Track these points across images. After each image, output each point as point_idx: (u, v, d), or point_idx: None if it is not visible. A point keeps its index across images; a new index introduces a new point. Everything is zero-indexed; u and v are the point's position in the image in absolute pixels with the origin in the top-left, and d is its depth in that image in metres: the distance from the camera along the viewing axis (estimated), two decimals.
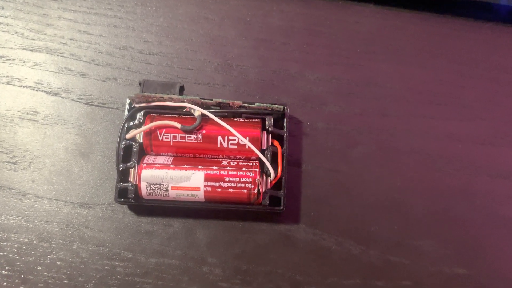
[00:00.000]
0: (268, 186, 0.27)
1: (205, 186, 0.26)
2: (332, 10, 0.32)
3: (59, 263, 0.28)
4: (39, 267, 0.28)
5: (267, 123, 0.28)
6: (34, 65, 0.31)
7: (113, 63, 0.31)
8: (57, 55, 0.31)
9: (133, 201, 0.27)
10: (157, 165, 0.27)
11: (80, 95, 0.31)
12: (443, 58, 0.32)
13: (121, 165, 0.27)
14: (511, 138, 0.30)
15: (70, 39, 0.32)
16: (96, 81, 0.31)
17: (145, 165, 0.27)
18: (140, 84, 0.28)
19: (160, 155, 0.28)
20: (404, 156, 0.30)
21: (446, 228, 0.29)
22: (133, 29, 0.32)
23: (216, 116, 0.27)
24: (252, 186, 0.26)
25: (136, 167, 0.27)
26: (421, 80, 0.31)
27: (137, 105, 0.28)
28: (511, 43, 0.32)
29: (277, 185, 0.28)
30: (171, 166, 0.27)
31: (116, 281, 0.28)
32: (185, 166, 0.27)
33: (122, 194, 0.27)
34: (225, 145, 0.27)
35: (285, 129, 0.28)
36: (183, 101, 0.28)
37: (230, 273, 0.28)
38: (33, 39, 0.31)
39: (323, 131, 0.30)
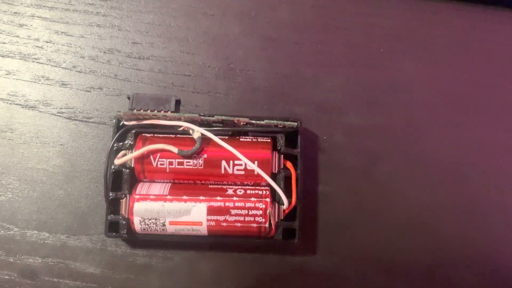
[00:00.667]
0: (281, 216, 0.24)
1: (208, 220, 0.23)
2: (351, 2, 0.27)
3: None
4: None
5: (278, 142, 0.24)
6: (6, 74, 0.27)
7: (97, 70, 0.27)
8: (32, 61, 0.27)
9: (126, 235, 0.24)
10: (151, 197, 0.23)
11: (60, 108, 0.27)
12: (481, 56, 0.27)
13: (110, 194, 0.24)
14: None
15: (47, 42, 0.27)
16: (78, 92, 0.27)
17: (137, 196, 0.23)
18: (128, 98, 0.24)
19: (155, 181, 0.24)
20: (436, 172, 0.26)
21: (484, 255, 0.25)
22: (119, 28, 0.27)
23: (219, 135, 0.23)
24: (263, 220, 0.23)
25: (128, 197, 0.23)
26: (455, 83, 0.27)
27: (126, 123, 0.24)
28: None
29: (291, 214, 0.24)
30: (168, 197, 0.23)
31: None
32: (184, 197, 0.23)
33: (113, 227, 0.24)
34: (230, 171, 0.23)
35: (299, 148, 0.24)
36: (179, 119, 0.24)
37: None
38: (4, 43, 0.27)
39: (342, 146, 0.26)
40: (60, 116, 0.26)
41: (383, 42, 0.27)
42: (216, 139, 0.23)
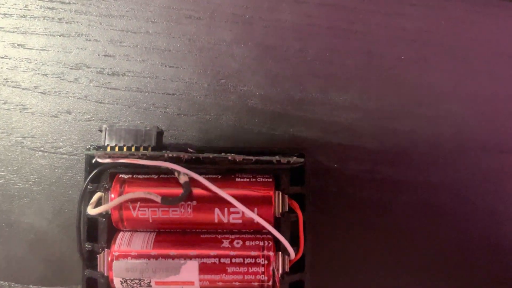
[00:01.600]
0: (286, 269, 0.20)
1: (201, 279, 0.19)
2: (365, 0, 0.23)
3: None
4: None
5: (282, 182, 0.20)
6: None
7: (63, 90, 0.23)
8: None
9: None
10: (133, 253, 0.19)
11: (23, 137, 0.23)
12: None
13: (87, 245, 0.20)
14: None
15: (1, 57, 0.23)
16: (43, 117, 0.23)
17: (116, 253, 0.19)
18: (101, 131, 0.20)
19: (140, 231, 0.20)
20: (464, 205, 0.22)
21: None
22: (87, 38, 0.23)
23: (210, 174, 0.20)
24: (266, 278, 0.19)
25: (106, 252, 0.20)
26: (491, 98, 0.23)
27: (100, 161, 0.20)
28: None
29: (299, 261, 0.21)
30: (153, 253, 0.19)
31: None
32: (172, 253, 0.19)
33: (91, 284, 0.20)
34: (225, 220, 0.20)
35: (305, 186, 0.20)
36: (162, 156, 0.20)
37: None
38: None
39: (355, 177, 0.22)
40: (23, 146, 0.23)
41: (404, 48, 0.23)
42: (207, 183, 0.19)
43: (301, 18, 0.23)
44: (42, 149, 0.23)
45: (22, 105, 0.23)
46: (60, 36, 0.23)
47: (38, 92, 0.23)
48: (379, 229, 0.22)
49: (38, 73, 0.23)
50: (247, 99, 0.23)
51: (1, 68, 0.23)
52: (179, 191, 0.19)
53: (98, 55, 0.23)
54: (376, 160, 0.22)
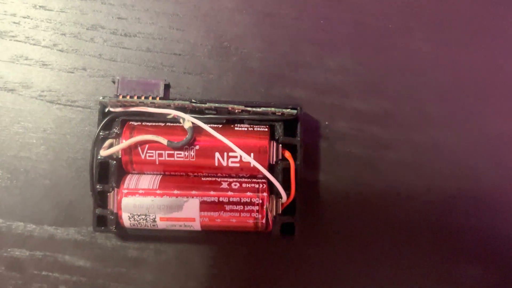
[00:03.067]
0: (279, 210, 0.22)
1: (201, 216, 0.21)
2: None
3: None
4: None
5: (276, 131, 0.22)
6: None
7: (80, 49, 0.25)
8: (10, 39, 0.25)
9: (115, 231, 0.22)
10: (140, 191, 0.22)
11: (42, 91, 0.25)
12: (505, 37, 0.25)
13: (97, 187, 0.22)
14: None
15: (24, 18, 0.25)
16: (61, 73, 0.25)
17: (125, 191, 0.22)
18: (113, 82, 0.22)
19: (146, 173, 0.22)
20: (446, 165, 0.24)
21: (493, 252, 0.24)
22: (103, 1, 0.25)
23: (212, 123, 0.22)
24: (260, 215, 0.21)
25: (115, 191, 0.22)
26: (472, 68, 0.25)
27: (112, 110, 0.22)
28: None
29: (290, 207, 0.23)
30: (158, 192, 0.21)
31: None
32: (175, 192, 0.21)
33: (101, 221, 0.23)
34: (224, 163, 0.22)
35: (299, 138, 0.22)
36: (169, 106, 0.22)
37: None
38: None
39: (345, 133, 0.24)
40: (41, 99, 0.25)
41: (392, 18, 0.25)
42: (209, 129, 0.21)
43: None
44: (59, 102, 0.25)
45: (42, 61, 0.25)
46: None
47: (56, 50, 0.25)
48: (366, 183, 0.24)
49: (57, 33, 0.25)
50: (247, 61, 0.25)
51: (24, 27, 0.25)
52: (183, 137, 0.22)
53: (112, 17, 0.25)
54: (364, 119, 0.24)
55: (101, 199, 0.23)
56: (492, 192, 0.24)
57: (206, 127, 0.21)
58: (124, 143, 0.21)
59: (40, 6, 0.25)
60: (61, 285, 0.24)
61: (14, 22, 0.25)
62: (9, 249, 0.24)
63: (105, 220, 0.22)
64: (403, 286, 0.24)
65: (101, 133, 0.22)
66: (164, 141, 0.21)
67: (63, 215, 0.24)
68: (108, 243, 0.24)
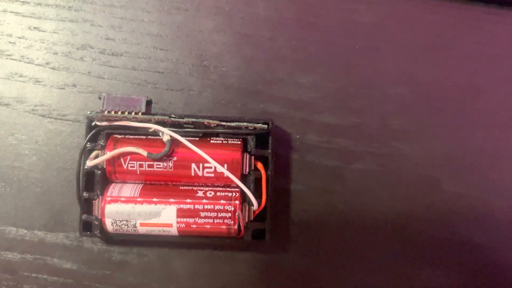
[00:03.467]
0: (251, 217, 0.24)
1: (178, 222, 0.23)
2: None
3: None
4: None
5: (249, 144, 0.24)
6: None
7: (70, 67, 0.27)
8: (6, 58, 0.27)
9: (99, 235, 0.24)
10: (122, 199, 0.23)
11: (35, 105, 0.27)
12: (460, 55, 0.27)
13: (84, 194, 0.24)
14: None
15: (20, 38, 0.27)
16: (52, 89, 0.27)
17: (109, 198, 0.23)
18: (100, 98, 0.24)
19: (127, 182, 0.24)
20: (407, 174, 0.26)
21: (451, 256, 0.26)
22: (92, 23, 0.27)
23: (189, 137, 0.24)
24: (232, 222, 0.23)
25: (100, 198, 0.24)
26: (431, 83, 0.27)
27: (98, 124, 0.24)
28: None
29: (261, 214, 0.24)
30: (139, 199, 0.23)
31: None
32: (155, 200, 0.23)
33: (87, 227, 0.24)
34: (200, 173, 0.24)
35: (270, 150, 0.24)
36: (150, 121, 0.24)
37: None
38: None
39: (315, 146, 0.26)
40: (34, 113, 0.27)
41: (360, 39, 0.27)
42: (185, 142, 0.23)
43: (272, 12, 0.27)
44: (50, 115, 0.26)
45: (35, 78, 0.27)
46: (69, 21, 0.27)
47: (49, 68, 0.27)
48: (334, 192, 0.26)
49: (50, 52, 0.27)
50: (225, 78, 0.27)
51: (19, 46, 0.27)
52: (163, 149, 0.23)
53: (101, 38, 0.27)
54: (332, 132, 0.26)
55: (87, 206, 0.24)
56: (451, 199, 0.26)
57: (183, 140, 0.23)
58: (108, 154, 0.23)
59: (34, 27, 0.27)
60: (49, 286, 0.26)
61: (10, 42, 0.27)
62: (2, 252, 0.26)
63: (90, 225, 0.24)
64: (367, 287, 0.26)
65: (87, 145, 0.24)
66: (144, 152, 0.23)
67: (53, 221, 0.26)
68: (94, 247, 0.26)
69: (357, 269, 0.26)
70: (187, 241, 0.25)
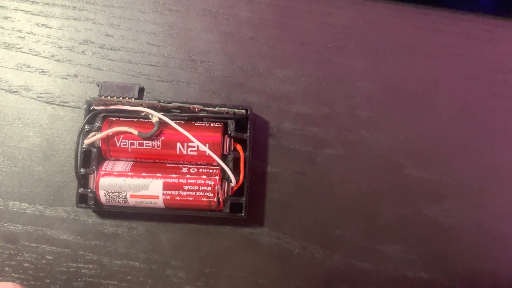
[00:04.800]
0: (230, 193, 0.27)
1: (163, 194, 0.26)
2: (304, 2, 0.30)
3: (25, 264, 0.28)
4: (6, 268, 0.28)
5: (229, 127, 0.27)
6: None
7: (73, 59, 0.30)
8: (16, 51, 0.30)
9: (93, 207, 0.27)
10: (115, 173, 0.26)
11: (40, 93, 0.30)
12: (420, 53, 0.30)
13: (81, 170, 0.27)
14: (486, 140, 0.29)
15: (28, 33, 0.30)
16: (56, 79, 0.30)
17: (103, 172, 0.26)
18: (98, 85, 0.27)
19: (119, 160, 0.27)
20: (373, 158, 0.29)
21: (411, 232, 0.28)
22: (94, 21, 0.30)
23: (176, 120, 0.27)
24: (212, 195, 0.26)
25: (95, 173, 0.27)
26: (395, 78, 0.30)
27: (96, 108, 0.27)
28: (493, 35, 0.30)
29: (239, 190, 0.27)
30: (129, 174, 0.26)
31: (81, 283, 0.28)
32: (144, 174, 0.26)
33: (83, 200, 0.27)
34: (184, 152, 0.27)
35: (248, 133, 0.27)
36: (141, 105, 0.27)
37: (194, 276, 0.28)
38: None
39: (289, 132, 0.29)
40: (39, 100, 0.30)
41: (332, 39, 0.30)
42: (172, 123, 0.26)
43: (254, 14, 0.30)
44: (53, 102, 0.30)
45: (41, 69, 0.30)
46: (73, 19, 0.30)
47: (53, 60, 0.30)
48: (306, 173, 0.29)
49: (55, 46, 0.30)
50: (211, 71, 0.30)
51: (28, 41, 0.30)
52: (152, 130, 0.26)
53: (101, 34, 0.30)
54: (306, 121, 0.29)
55: (83, 181, 0.27)
56: (412, 181, 0.29)
57: (169, 121, 0.26)
58: (103, 133, 0.26)
59: (42, 24, 0.30)
60: (47, 255, 0.28)
61: (20, 37, 0.30)
62: (5, 224, 0.29)
63: (86, 198, 0.27)
64: (334, 261, 0.28)
65: (86, 126, 0.27)
66: (135, 132, 0.26)
67: (52, 196, 0.29)
68: (89, 220, 0.29)
69: (326, 244, 0.28)
70: (172, 214, 0.27)
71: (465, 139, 0.29)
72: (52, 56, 0.30)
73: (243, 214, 0.27)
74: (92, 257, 0.28)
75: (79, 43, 0.30)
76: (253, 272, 0.28)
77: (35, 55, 0.30)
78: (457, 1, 0.30)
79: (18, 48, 0.30)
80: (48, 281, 0.28)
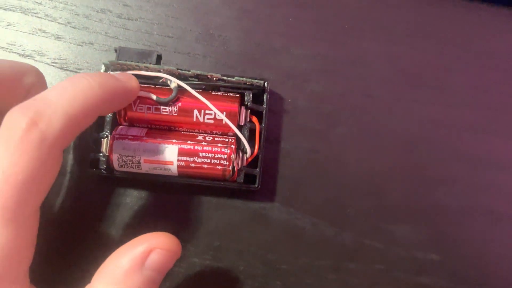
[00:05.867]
0: (244, 164, 0.27)
1: (178, 160, 0.26)
2: None
3: None
4: None
5: (246, 98, 0.27)
6: (7, 25, 0.30)
7: (90, 27, 0.30)
8: (32, 16, 0.30)
9: (104, 172, 0.26)
10: (129, 137, 0.26)
11: (54, 58, 0.29)
12: (434, 40, 0.31)
13: (94, 134, 0.27)
14: (496, 126, 0.30)
15: None
16: (71, 45, 0.30)
17: (117, 136, 0.26)
18: (115, 51, 0.27)
19: (134, 126, 0.27)
20: (386, 139, 0.29)
21: (422, 214, 0.28)
22: None
23: (193, 88, 0.26)
24: (227, 163, 0.26)
25: (109, 137, 0.26)
26: (409, 62, 0.30)
27: (112, 73, 0.27)
28: (507, 26, 0.31)
29: (253, 163, 0.27)
30: (144, 138, 0.26)
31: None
32: (159, 139, 0.26)
33: (94, 164, 0.27)
34: (201, 119, 0.26)
35: (265, 105, 0.27)
36: (159, 71, 0.27)
37: (202, 249, 0.28)
38: None
39: (304, 110, 0.29)
40: (53, 66, 0.29)
41: (348, 21, 0.30)
42: (190, 90, 0.26)
43: None
44: (67, 68, 0.29)
45: (56, 34, 0.30)
46: None
47: (70, 27, 0.30)
48: (318, 151, 0.29)
49: (72, 13, 0.30)
50: (227, 46, 0.30)
51: (44, 6, 0.30)
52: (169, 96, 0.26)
53: (119, 4, 0.30)
54: (320, 99, 0.29)
55: (96, 145, 0.27)
56: (424, 164, 0.29)
57: (188, 88, 0.26)
58: None
59: None
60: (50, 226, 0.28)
61: (37, 2, 0.30)
62: None
63: (97, 162, 0.27)
64: (344, 239, 0.28)
65: None
66: (153, 96, 0.26)
67: (64, 162, 0.28)
68: (97, 188, 0.28)
69: (336, 221, 0.28)
70: (185, 183, 0.27)
71: (476, 123, 0.30)
72: (68, 22, 0.30)
73: (256, 186, 0.27)
74: (98, 226, 0.28)
75: (97, 12, 0.30)
76: (262, 247, 0.28)
77: (51, 20, 0.30)
78: None
79: (35, 13, 0.30)
80: None
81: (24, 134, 0.18)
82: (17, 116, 0.19)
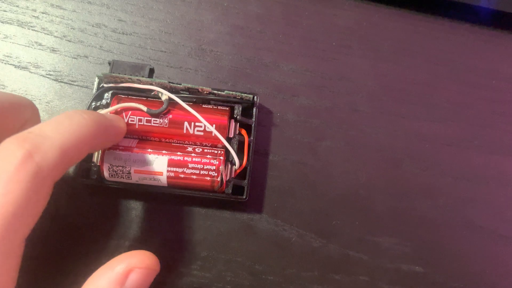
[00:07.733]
0: (233, 175, 0.27)
1: (168, 171, 0.26)
2: (312, 2, 0.32)
3: None
4: None
5: (235, 111, 0.28)
6: (4, 38, 0.30)
7: (85, 41, 0.31)
8: (28, 29, 0.31)
9: (95, 181, 0.27)
10: (120, 147, 0.27)
11: (49, 71, 0.30)
12: (419, 57, 0.32)
13: None
14: (479, 141, 0.31)
15: (42, 13, 0.31)
16: (66, 58, 0.30)
17: None
18: (109, 63, 0.28)
19: (125, 137, 0.28)
20: (371, 153, 0.30)
21: (406, 226, 0.29)
22: (108, 6, 0.31)
23: (184, 101, 0.27)
24: (216, 174, 0.26)
25: None
26: (395, 78, 0.31)
27: (105, 85, 0.28)
28: (488, 46, 0.32)
29: (242, 175, 0.28)
30: (135, 149, 0.26)
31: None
32: (149, 150, 0.27)
33: (85, 174, 0.27)
34: (191, 131, 0.27)
35: (254, 119, 0.28)
36: (151, 84, 0.27)
37: (190, 259, 0.28)
38: (5, 11, 0.31)
39: (292, 123, 0.30)
40: (48, 77, 0.30)
41: (335, 38, 0.32)
42: (181, 102, 0.27)
43: (263, 10, 0.32)
44: (62, 80, 0.30)
45: (52, 48, 0.30)
46: (88, 3, 0.31)
47: (65, 40, 0.31)
48: (306, 163, 0.30)
49: (68, 27, 0.31)
50: (219, 60, 0.31)
51: (41, 20, 0.31)
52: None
53: (114, 19, 0.31)
54: (308, 113, 0.30)
55: (87, 156, 0.27)
56: (408, 177, 0.30)
57: (179, 100, 0.27)
58: (112, 107, 0.27)
59: (56, 5, 0.31)
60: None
61: (34, 16, 0.31)
62: None
63: (89, 172, 0.27)
64: (330, 251, 0.29)
65: (93, 103, 0.28)
66: (144, 108, 0.27)
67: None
68: (88, 198, 0.29)
69: (323, 233, 0.29)
70: (174, 193, 0.27)
71: (459, 139, 0.30)
72: (64, 36, 0.31)
73: (244, 197, 0.27)
74: (88, 235, 0.28)
75: (92, 26, 0.31)
76: (250, 258, 0.28)
77: (47, 34, 0.31)
78: (456, 11, 0.31)
79: (31, 27, 0.31)
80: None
81: (19, 165, 0.18)
82: (13, 147, 0.19)
